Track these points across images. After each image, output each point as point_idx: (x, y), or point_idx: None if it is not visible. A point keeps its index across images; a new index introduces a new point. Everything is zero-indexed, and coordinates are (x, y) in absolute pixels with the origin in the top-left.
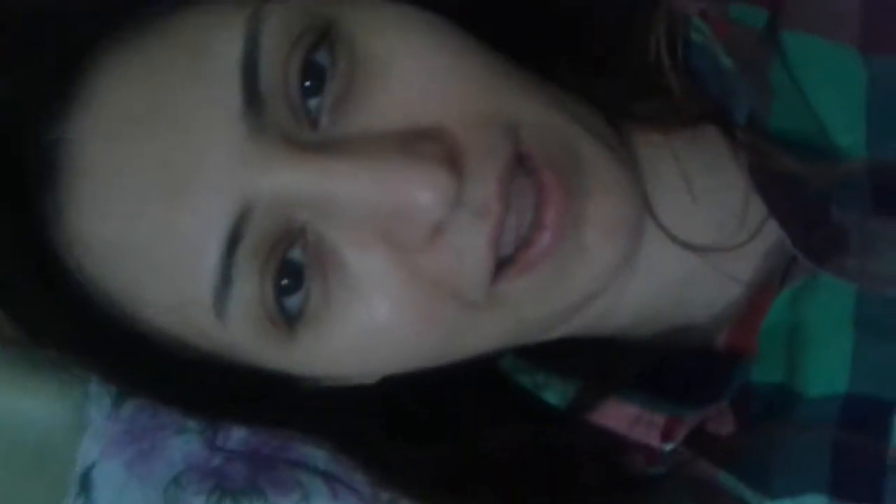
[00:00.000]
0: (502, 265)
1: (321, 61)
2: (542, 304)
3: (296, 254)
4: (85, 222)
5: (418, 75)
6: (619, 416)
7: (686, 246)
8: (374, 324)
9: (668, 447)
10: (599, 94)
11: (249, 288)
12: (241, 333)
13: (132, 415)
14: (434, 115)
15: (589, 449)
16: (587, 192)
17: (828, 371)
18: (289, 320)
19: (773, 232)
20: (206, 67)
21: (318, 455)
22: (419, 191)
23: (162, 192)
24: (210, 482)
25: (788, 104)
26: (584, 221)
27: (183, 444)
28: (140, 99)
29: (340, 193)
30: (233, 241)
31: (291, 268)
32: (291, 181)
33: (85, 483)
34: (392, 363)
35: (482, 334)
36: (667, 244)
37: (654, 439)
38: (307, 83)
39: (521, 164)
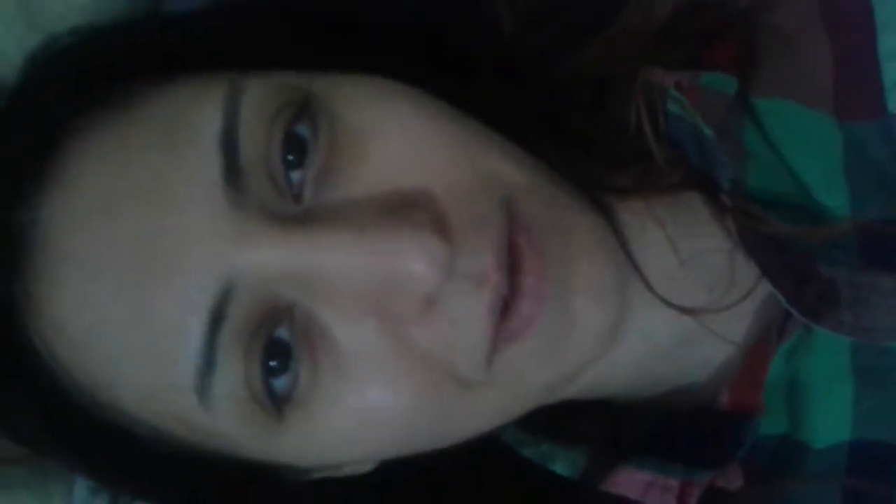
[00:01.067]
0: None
1: (302, 133)
2: (538, 374)
3: (283, 333)
4: (58, 307)
5: (402, 143)
6: (631, 483)
7: (677, 308)
8: (365, 405)
9: None
10: (577, 166)
11: (234, 370)
12: (226, 419)
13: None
14: (420, 183)
15: None
16: (570, 257)
17: (831, 420)
18: (277, 403)
19: (761, 290)
20: (184, 142)
21: None
22: (412, 259)
23: (139, 273)
24: None
25: (765, 166)
26: (569, 288)
27: None
28: (115, 178)
29: (328, 266)
30: (216, 322)
31: (278, 348)
32: (275, 256)
33: None
34: (385, 448)
35: (479, 413)
36: (657, 308)
37: None
38: (289, 157)
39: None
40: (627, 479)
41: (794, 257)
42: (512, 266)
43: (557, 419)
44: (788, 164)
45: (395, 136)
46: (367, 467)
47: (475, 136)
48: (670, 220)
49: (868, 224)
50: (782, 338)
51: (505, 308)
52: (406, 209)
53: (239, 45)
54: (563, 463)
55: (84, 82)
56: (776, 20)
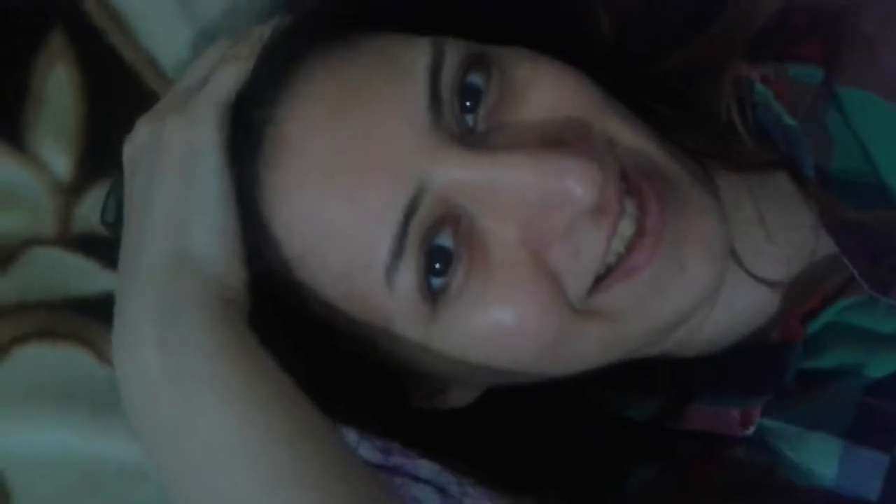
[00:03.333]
0: (601, 277)
1: (477, 83)
2: (639, 319)
3: (447, 239)
4: (281, 188)
5: (554, 93)
6: (698, 418)
7: (764, 282)
8: (499, 308)
9: (750, 431)
10: (688, 134)
11: (414, 261)
12: (400, 301)
13: None
14: (562, 122)
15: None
16: (684, 212)
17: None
18: (433, 296)
19: (828, 247)
20: (400, 69)
21: (423, 466)
22: (576, 179)
23: (353, 168)
24: None
25: (847, 151)
26: (683, 239)
27: None
28: (342, 90)
29: (503, 181)
30: (409, 215)
31: (443, 253)
32: (463, 172)
33: None
34: (508, 356)
35: (588, 344)
36: (742, 280)
37: (735, 430)
38: (467, 103)
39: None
40: (693, 417)
41: (872, 236)
42: (635, 211)
43: (627, 375)
44: (868, 148)
45: (549, 87)
46: (470, 397)
47: (602, 98)
48: (762, 196)
49: None
50: (843, 293)
51: (626, 251)
52: (562, 142)
53: (434, 13)
54: (636, 411)
55: (319, 27)
56: (860, 22)
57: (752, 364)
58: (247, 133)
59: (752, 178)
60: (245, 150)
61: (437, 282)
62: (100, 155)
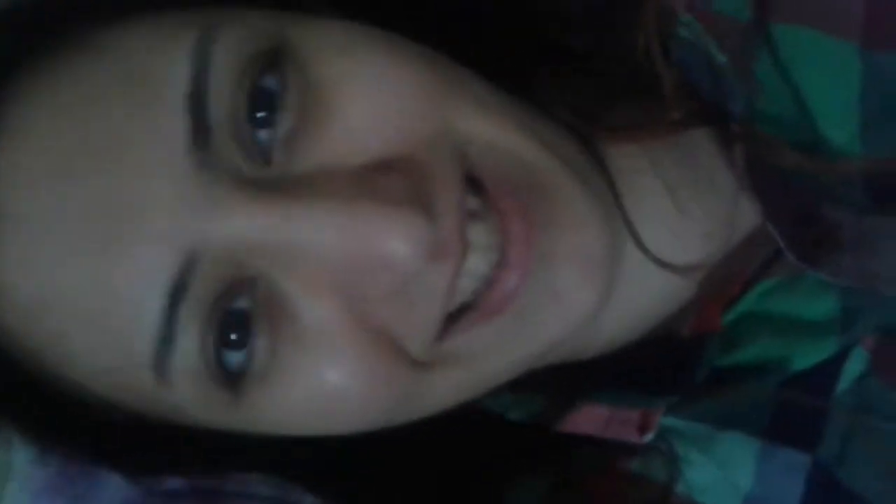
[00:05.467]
0: (455, 316)
1: (271, 87)
2: (502, 356)
3: (243, 303)
4: (5, 273)
5: (369, 100)
6: (589, 420)
7: (675, 271)
8: (321, 384)
9: (648, 438)
10: (573, 102)
11: (192, 345)
12: (185, 394)
13: (62, 459)
14: (388, 141)
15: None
16: (555, 220)
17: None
18: (233, 379)
19: (753, 224)
20: (148, 96)
21: (261, 484)
22: (396, 241)
23: (95, 240)
24: None
25: (775, 98)
26: (554, 258)
27: (116, 489)
28: (71, 132)
29: (301, 240)
30: (176, 295)
31: (238, 320)
32: (247, 227)
33: None
34: (340, 426)
35: (437, 395)
36: (651, 268)
37: (631, 435)
38: (258, 114)
39: (473, 188)
40: (584, 418)
41: (799, 196)
42: (497, 235)
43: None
44: (801, 95)
45: (363, 92)
46: None
47: (451, 86)
48: (671, 165)
49: (882, 162)
50: (766, 272)
51: (485, 286)
52: (378, 175)
53: None
54: (518, 410)
55: (37, 21)
56: None
57: (657, 359)
58: None
59: (659, 143)
60: None
61: (234, 358)
62: None
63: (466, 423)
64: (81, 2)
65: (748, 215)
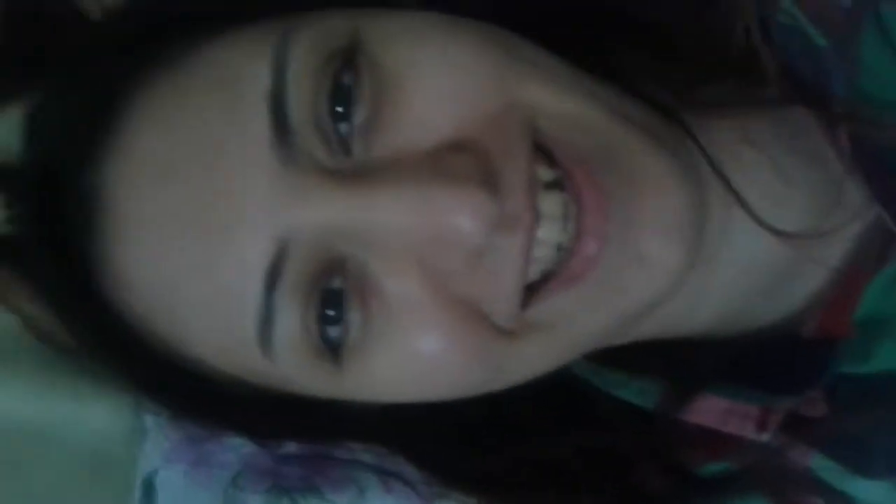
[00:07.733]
0: (538, 285)
1: (348, 82)
2: (591, 320)
3: (336, 282)
4: (124, 266)
5: (431, 85)
6: (708, 411)
7: (779, 235)
8: (412, 351)
9: (765, 437)
10: (661, 78)
11: (292, 323)
12: (290, 367)
13: (190, 425)
14: (456, 121)
15: (658, 451)
16: (632, 184)
17: None
18: (333, 350)
19: (866, 213)
20: (234, 99)
21: (368, 453)
22: (461, 217)
23: (199, 234)
24: (267, 481)
25: (881, 79)
26: (633, 222)
27: (239, 446)
28: (172, 140)
29: (380, 222)
30: (272, 280)
31: (333, 297)
32: (332, 214)
33: (147, 490)
34: (437, 392)
35: (527, 361)
36: (756, 235)
37: (749, 431)
38: (337, 108)
39: (544, 159)
40: (704, 408)
41: None
42: (573, 205)
43: (628, 354)
44: None
45: (427, 77)
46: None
47: (515, 61)
48: (773, 141)
49: None
50: (882, 263)
51: (565, 254)
52: (449, 157)
53: None
54: (634, 392)
55: (138, 41)
56: None
57: (778, 358)
58: (75, 208)
59: (761, 119)
60: (78, 230)
61: (332, 332)
62: None
63: (562, 398)
64: (181, 23)
65: (857, 209)
